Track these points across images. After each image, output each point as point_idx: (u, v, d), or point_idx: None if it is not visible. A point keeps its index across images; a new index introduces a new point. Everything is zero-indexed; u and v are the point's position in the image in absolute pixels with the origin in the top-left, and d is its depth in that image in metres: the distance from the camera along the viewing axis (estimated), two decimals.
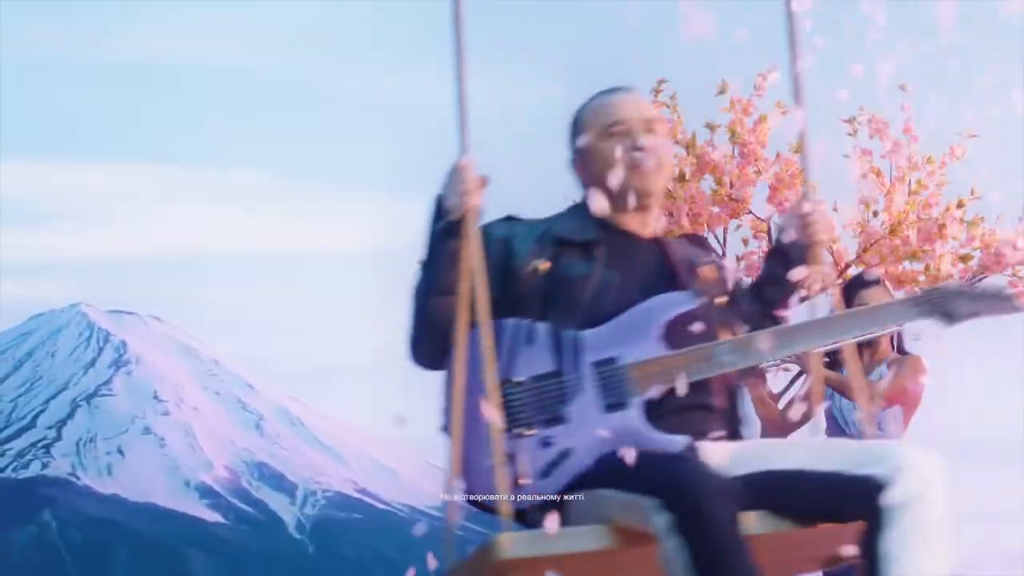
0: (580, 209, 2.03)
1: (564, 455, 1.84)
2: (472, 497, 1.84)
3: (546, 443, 1.84)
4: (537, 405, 1.86)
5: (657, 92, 5.85)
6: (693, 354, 1.87)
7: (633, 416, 1.85)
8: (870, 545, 1.74)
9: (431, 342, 1.90)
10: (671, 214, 5.65)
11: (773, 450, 1.89)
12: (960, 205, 5.54)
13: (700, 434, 1.89)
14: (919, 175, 5.81)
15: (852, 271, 5.58)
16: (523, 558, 1.73)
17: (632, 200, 1.98)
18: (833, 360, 3.71)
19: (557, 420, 1.85)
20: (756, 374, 3.67)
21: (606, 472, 1.81)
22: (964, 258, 5.60)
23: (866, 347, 3.68)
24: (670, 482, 1.70)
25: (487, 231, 1.95)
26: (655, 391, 1.86)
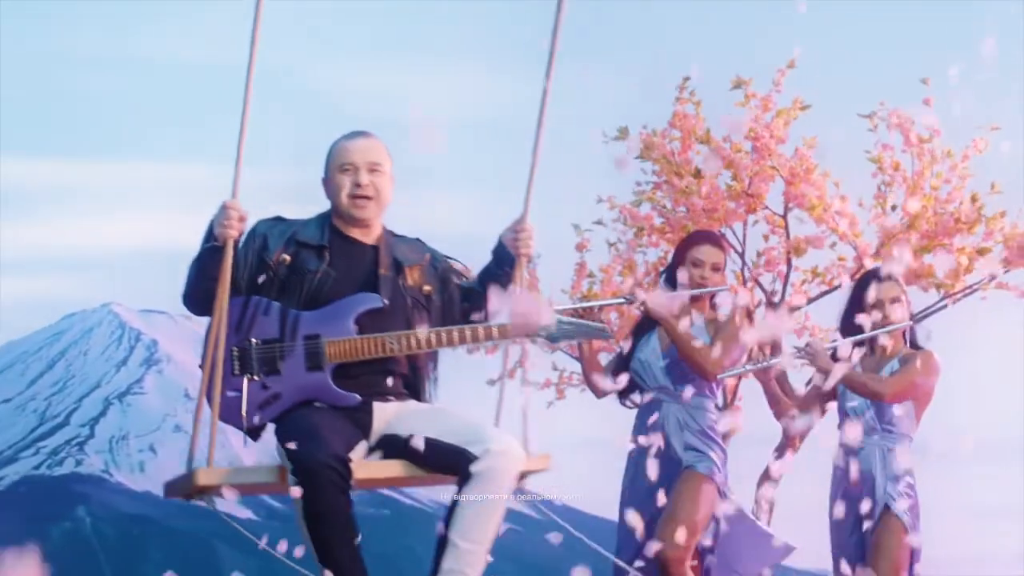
0: (323, 218, 2.82)
1: (275, 397, 2.70)
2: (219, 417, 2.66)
3: (264, 387, 2.70)
4: (263, 360, 2.70)
5: (681, 89, 5.86)
6: (371, 339, 2.69)
7: (325, 377, 2.69)
8: (453, 501, 2.62)
9: (196, 303, 2.73)
10: (688, 209, 5.67)
11: (422, 419, 2.71)
12: (974, 200, 5.51)
13: (379, 394, 2.73)
14: (940, 169, 5.78)
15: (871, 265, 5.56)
16: (211, 484, 2.64)
17: (352, 221, 2.77)
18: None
19: (274, 372, 2.70)
20: (769, 372, 3.68)
21: (281, 428, 2.66)
22: (982, 251, 5.57)
23: (877, 343, 3.68)
24: (298, 455, 2.55)
25: (254, 227, 2.76)
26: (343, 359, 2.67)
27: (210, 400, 2.63)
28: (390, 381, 2.75)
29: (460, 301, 2.85)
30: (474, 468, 2.58)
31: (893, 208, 5.73)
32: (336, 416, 2.67)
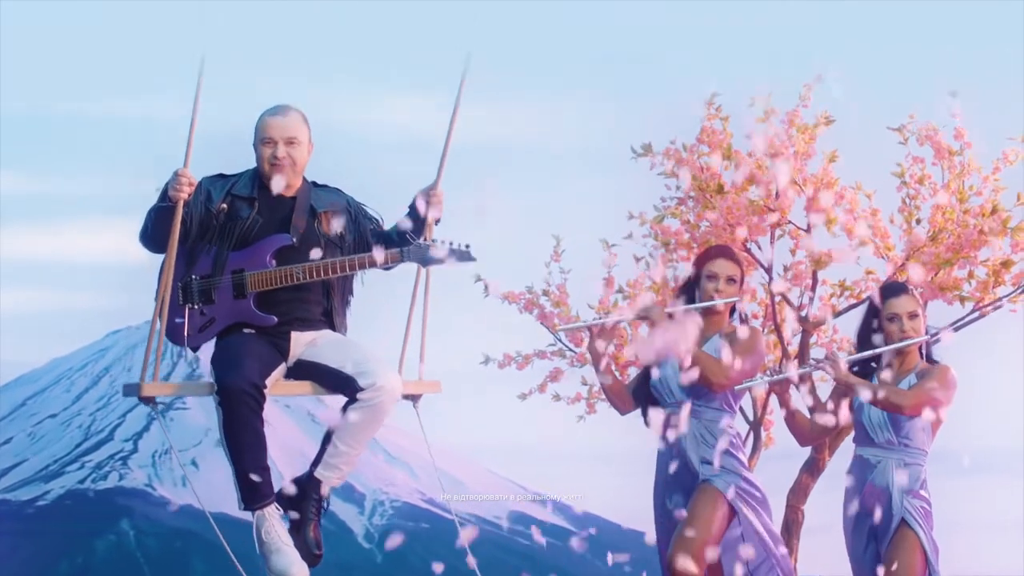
0: (253, 174, 3.48)
1: (211, 321, 3.40)
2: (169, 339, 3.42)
3: (202, 313, 3.40)
4: (201, 291, 3.40)
5: (709, 104, 5.88)
6: (282, 270, 3.36)
7: (248, 302, 3.39)
8: (344, 411, 3.35)
9: (151, 245, 3.42)
10: (711, 224, 5.68)
11: (330, 349, 3.39)
12: (995, 210, 5.47)
13: (299, 321, 3.42)
14: (971, 181, 5.74)
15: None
16: (151, 395, 3.39)
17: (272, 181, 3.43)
18: (862, 370, 3.72)
19: (210, 301, 3.40)
20: (785, 385, 3.70)
21: (214, 352, 3.38)
22: (1006, 264, 5.54)
23: (896, 356, 3.69)
24: (219, 376, 3.30)
25: (201, 182, 3.42)
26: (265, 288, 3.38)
27: (169, 319, 3.34)
28: (306, 308, 3.41)
29: (373, 242, 3.45)
30: (360, 396, 3.31)
31: (918, 222, 5.72)
32: (261, 343, 3.36)
